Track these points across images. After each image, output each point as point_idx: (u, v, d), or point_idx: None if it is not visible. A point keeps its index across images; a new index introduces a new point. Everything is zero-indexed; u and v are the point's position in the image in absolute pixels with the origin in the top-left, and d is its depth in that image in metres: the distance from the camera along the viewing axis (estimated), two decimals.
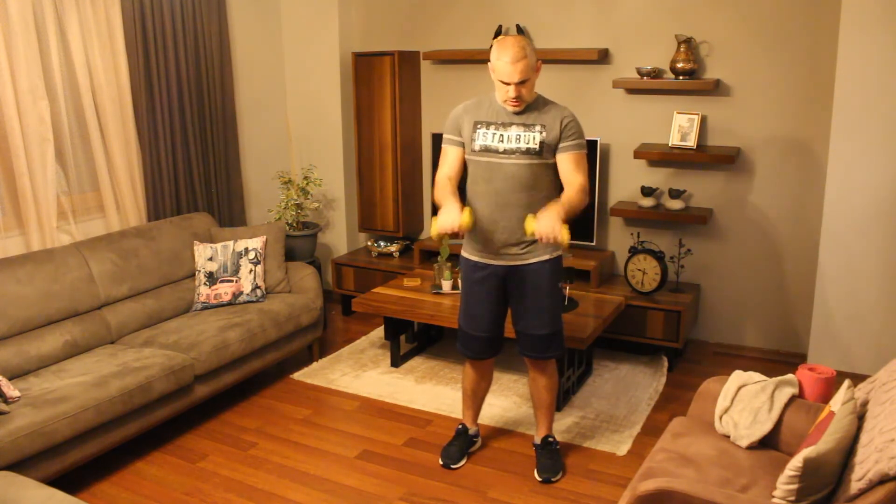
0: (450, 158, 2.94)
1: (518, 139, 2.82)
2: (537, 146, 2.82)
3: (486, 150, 2.85)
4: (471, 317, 3.04)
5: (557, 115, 2.84)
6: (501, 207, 2.87)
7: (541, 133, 2.82)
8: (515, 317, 3.02)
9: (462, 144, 2.94)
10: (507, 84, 2.74)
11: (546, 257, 2.94)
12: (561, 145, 2.84)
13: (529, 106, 2.86)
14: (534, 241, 2.88)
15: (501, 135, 2.84)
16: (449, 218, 2.71)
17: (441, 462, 3.25)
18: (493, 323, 3.05)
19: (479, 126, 2.87)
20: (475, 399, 3.29)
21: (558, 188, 2.89)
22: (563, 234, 2.62)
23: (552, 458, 3.17)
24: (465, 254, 3.04)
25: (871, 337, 3.74)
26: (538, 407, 3.20)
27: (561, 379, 3.63)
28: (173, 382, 3.34)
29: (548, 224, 2.61)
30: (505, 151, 2.83)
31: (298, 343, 4.13)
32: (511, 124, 2.84)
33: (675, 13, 4.13)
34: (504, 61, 2.71)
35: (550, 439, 3.22)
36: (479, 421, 3.52)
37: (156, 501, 3.02)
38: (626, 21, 4.26)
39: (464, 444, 3.31)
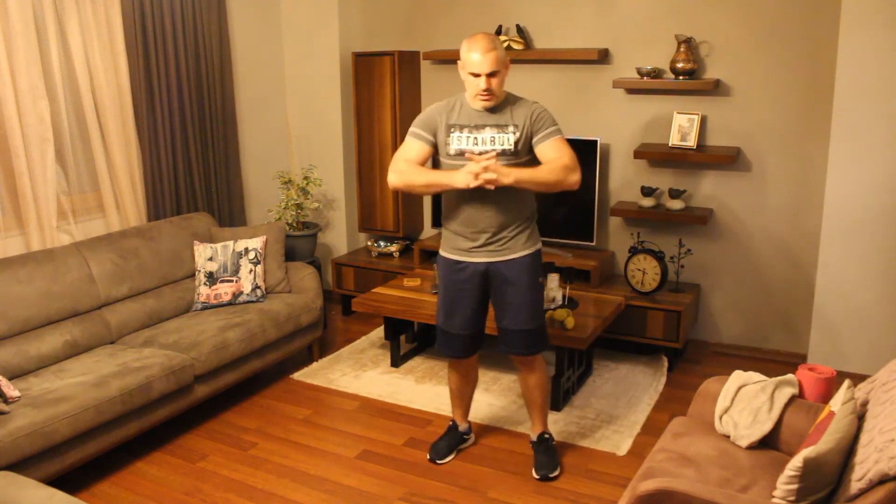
0: (414, 151, 2.90)
1: (493, 141, 2.81)
2: (512, 146, 2.81)
3: (462, 154, 2.82)
4: (451, 315, 3.03)
5: (527, 111, 2.84)
6: (479, 208, 2.85)
7: (514, 133, 2.82)
8: (499, 314, 3.00)
9: (433, 145, 2.90)
10: (478, 76, 2.74)
11: (525, 252, 2.92)
12: (536, 138, 2.83)
13: (500, 105, 2.84)
14: (512, 238, 2.90)
15: (475, 137, 2.83)
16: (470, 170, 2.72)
17: (428, 456, 3.27)
18: (474, 321, 3.03)
19: (452, 130, 2.85)
20: (462, 397, 3.30)
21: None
22: (497, 174, 2.68)
23: (548, 454, 3.16)
24: (443, 252, 3.02)
25: (871, 337, 3.74)
26: (530, 405, 3.20)
27: (560, 379, 3.64)
28: (173, 382, 3.34)
29: (496, 167, 2.69)
30: (481, 154, 2.78)
31: (298, 343, 4.13)
32: (484, 126, 2.83)
33: (675, 13, 4.13)
34: (475, 52, 2.73)
35: (546, 435, 3.21)
36: (478, 420, 3.53)
37: (156, 501, 3.02)
38: (626, 21, 4.26)
39: (453, 440, 3.32)
